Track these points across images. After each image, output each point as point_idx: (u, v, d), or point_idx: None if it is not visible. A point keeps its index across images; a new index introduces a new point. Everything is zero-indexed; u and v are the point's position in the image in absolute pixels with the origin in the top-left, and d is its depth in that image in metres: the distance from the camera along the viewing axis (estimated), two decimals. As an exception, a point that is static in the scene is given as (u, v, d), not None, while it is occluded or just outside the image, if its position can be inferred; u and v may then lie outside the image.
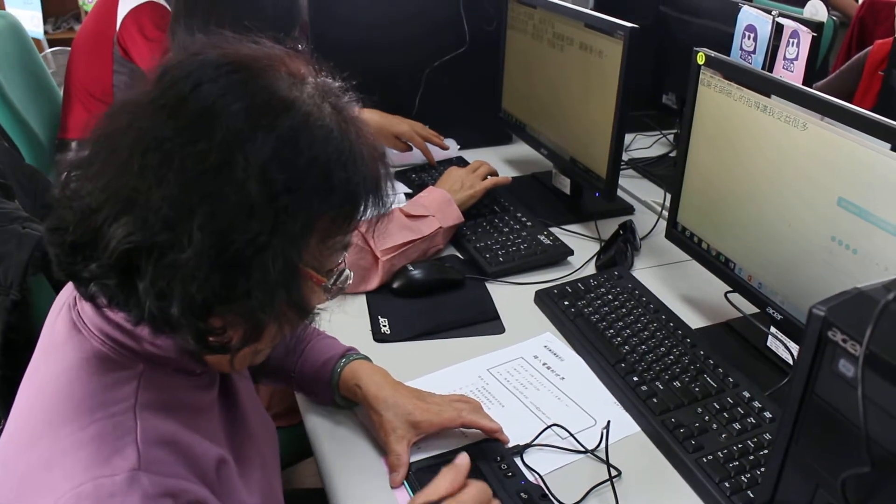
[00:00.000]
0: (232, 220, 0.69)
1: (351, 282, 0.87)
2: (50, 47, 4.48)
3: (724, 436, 1.10)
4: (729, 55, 1.60)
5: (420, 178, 1.95)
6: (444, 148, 1.99)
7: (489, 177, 1.73)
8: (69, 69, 2.48)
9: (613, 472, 1.05)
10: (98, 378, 0.75)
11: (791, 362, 1.23)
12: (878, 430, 0.58)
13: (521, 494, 1.01)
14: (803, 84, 1.45)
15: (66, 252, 0.74)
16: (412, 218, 1.54)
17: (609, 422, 1.13)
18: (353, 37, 1.96)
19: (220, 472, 0.79)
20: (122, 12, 2.30)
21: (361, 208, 0.79)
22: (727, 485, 1.02)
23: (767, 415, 1.13)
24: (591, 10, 1.81)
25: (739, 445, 1.07)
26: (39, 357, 0.81)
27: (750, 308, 1.31)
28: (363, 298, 1.45)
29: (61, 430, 0.71)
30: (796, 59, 1.48)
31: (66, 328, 0.79)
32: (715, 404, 1.15)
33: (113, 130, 0.73)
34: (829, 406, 0.62)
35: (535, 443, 1.11)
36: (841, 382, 0.61)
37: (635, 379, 1.21)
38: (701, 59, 1.31)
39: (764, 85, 1.20)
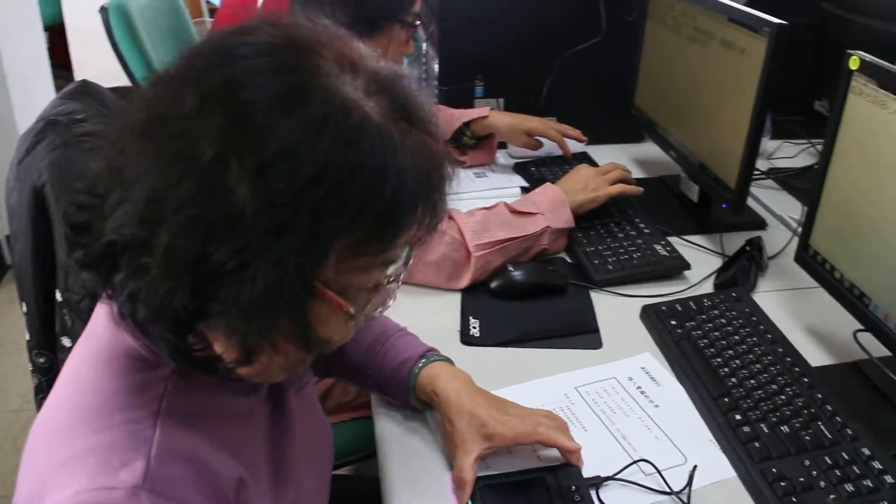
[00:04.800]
0: (210, 228, 0.61)
1: (392, 302, 0.75)
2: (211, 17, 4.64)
3: (832, 496, 0.96)
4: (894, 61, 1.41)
5: (540, 171, 1.85)
6: (583, 140, 1.87)
7: (619, 183, 1.60)
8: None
9: (696, 525, 0.94)
10: (126, 378, 0.70)
11: (927, 420, 1.07)
12: None
13: (587, 533, 0.92)
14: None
15: (71, 233, 0.69)
16: (517, 214, 1.45)
17: (696, 466, 1.01)
18: (481, 18, 1.88)
19: (239, 493, 0.74)
20: None
21: (401, 224, 0.66)
22: (828, 557, 0.89)
23: (889, 479, 0.98)
24: (744, 4, 1.65)
25: (849, 511, 0.94)
26: (82, 339, 0.79)
27: (883, 351, 1.15)
28: (457, 295, 1.39)
29: (79, 428, 0.68)
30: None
31: (104, 316, 0.75)
32: (826, 458, 1.01)
33: (131, 106, 0.67)
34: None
35: (616, 477, 1.01)
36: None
37: (738, 417, 1.08)
38: (854, 64, 1.15)
39: (925, 99, 1.03)
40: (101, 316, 0.76)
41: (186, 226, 0.61)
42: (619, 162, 1.90)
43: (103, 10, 2.17)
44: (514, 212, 1.46)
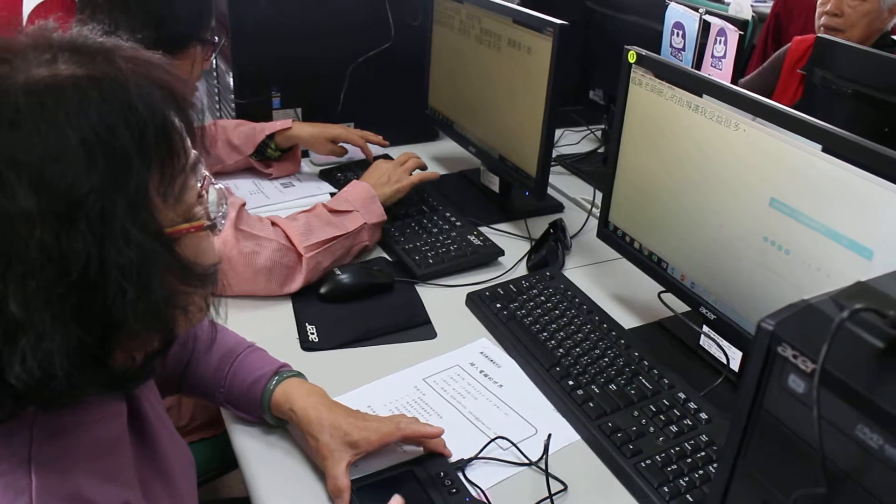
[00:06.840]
0: (41, 271, 0.59)
1: (226, 197, 0.77)
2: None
3: (661, 439, 1.09)
4: (658, 52, 1.59)
5: (346, 176, 1.89)
6: (385, 144, 1.94)
7: (418, 171, 1.70)
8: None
9: (558, 486, 1.03)
10: None
11: (724, 361, 1.23)
12: (829, 449, 0.56)
13: (467, 512, 0.98)
14: (731, 82, 1.46)
15: None
16: (335, 213, 1.49)
17: (550, 435, 1.11)
18: (274, 33, 1.88)
19: None
20: (27, 8, 2.16)
21: (180, 132, 0.68)
22: (666, 489, 1.01)
23: (703, 416, 1.13)
24: (518, 4, 1.79)
25: (677, 448, 1.07)
26: None
27: (683, 307, 1.31)
28: (289, 305, 1.39)
29: None
30: (724, 56, 1.48)
31: None
32: (651, 407, 1.14)
33: None
34: (779, 421, 0.61)
35: (478, 456, 1.07)
36: (790, 398, 0.59)
37: (570, 383, 1.19)
38: (632, 58, 1.30)
39: (695, 84, 1.19)
40: None
41: (25, 284, 0.59)
42: (419, 161, 1.99)
43: None
44: (332, 211, 1.49)
